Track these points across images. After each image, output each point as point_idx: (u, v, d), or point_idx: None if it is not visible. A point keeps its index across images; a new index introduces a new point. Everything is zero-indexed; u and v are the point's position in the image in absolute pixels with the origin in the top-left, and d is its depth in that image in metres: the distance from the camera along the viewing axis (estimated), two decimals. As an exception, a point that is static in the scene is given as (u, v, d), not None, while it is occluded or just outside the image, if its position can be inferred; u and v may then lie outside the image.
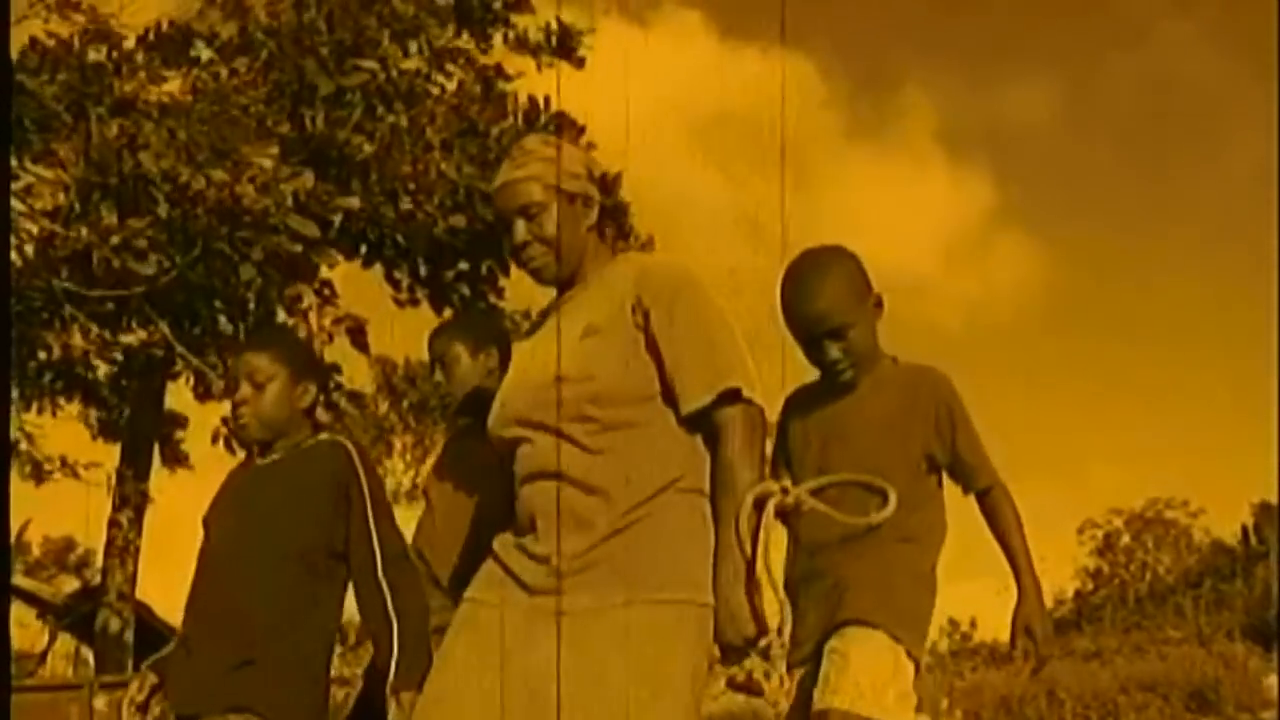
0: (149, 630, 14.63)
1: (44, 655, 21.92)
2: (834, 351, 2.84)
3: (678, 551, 2.46)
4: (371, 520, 3.05)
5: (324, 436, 3.22)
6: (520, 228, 2.60)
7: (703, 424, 2.54)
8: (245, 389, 3.18)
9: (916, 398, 2.90)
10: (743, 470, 2.48)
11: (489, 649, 2.46)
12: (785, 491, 2.52)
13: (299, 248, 9.36)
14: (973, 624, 32.99)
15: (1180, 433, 46.40)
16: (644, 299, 2.55)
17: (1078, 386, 49.09)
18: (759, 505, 2.46)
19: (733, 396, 2.50)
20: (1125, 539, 34.08)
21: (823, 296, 2.82)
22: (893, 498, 2.64)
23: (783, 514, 2.51)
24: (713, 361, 2.53)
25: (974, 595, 62.07)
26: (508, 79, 10.28)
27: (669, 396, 2.54)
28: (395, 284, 10.31)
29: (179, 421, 16.19)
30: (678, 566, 2.44)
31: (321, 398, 3.30)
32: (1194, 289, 42.32)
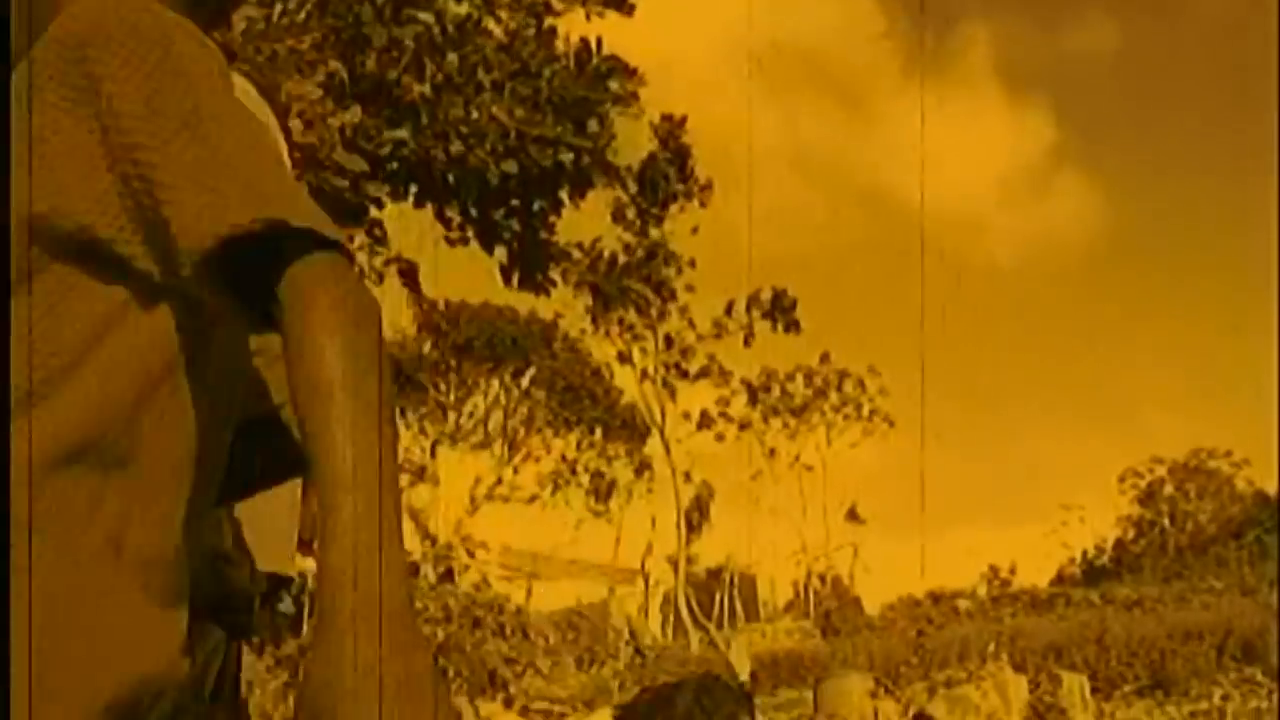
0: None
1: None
2: None
3: None
4: None
5: None
6: None
7: None
8: None
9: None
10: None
11: None
12: None
13: (345, 183, 9.31)
14: (1012, 570, 33.10)
15: (1227, 381, 45.97)
16: None
17: (1131, 329, 48.81)
18: None
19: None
20: (1168, 488, 33.94)
21: None
22: None
23: None
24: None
25: (1013, 541, 62.20)
26: (556, 15, 10.17)
27: None
28: (446, 222, 10.27)
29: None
30: None
31: None
32: (1255, 234, 41.71)
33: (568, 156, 9.35)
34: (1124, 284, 50.37)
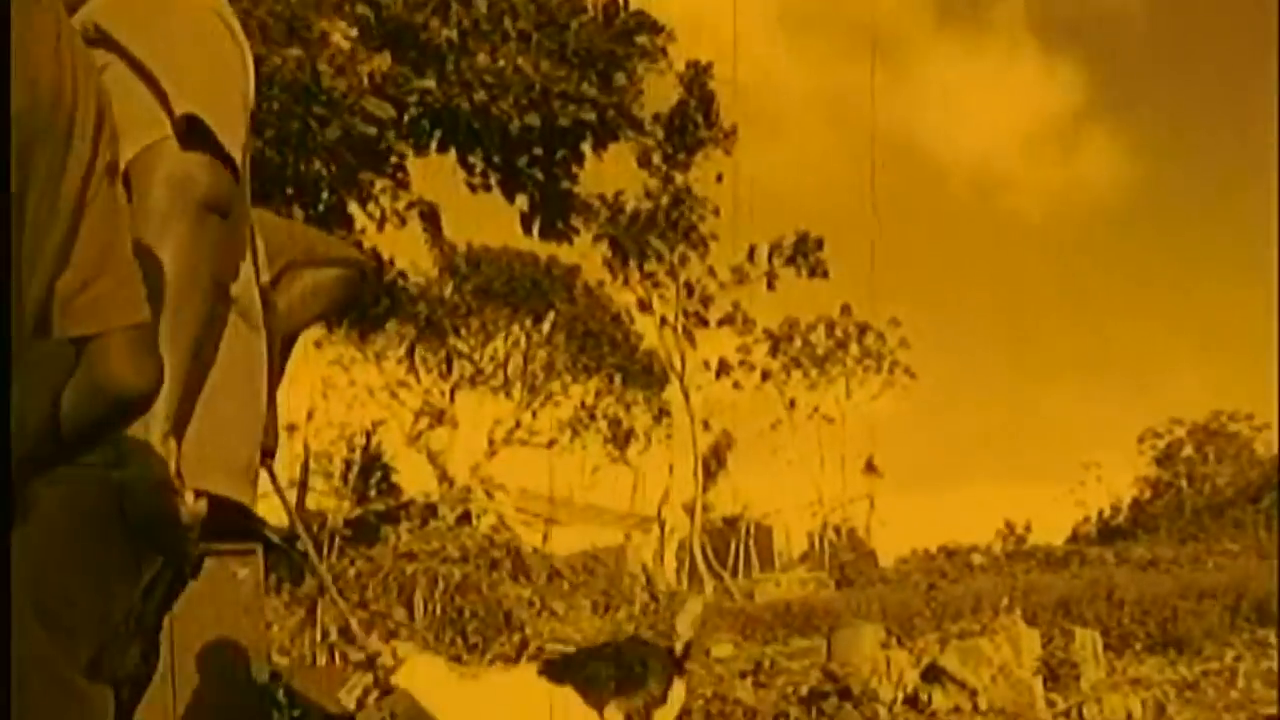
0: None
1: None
2: None
3: None
4: None
5: None
6: None
7: None
8: None
9: None
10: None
11: None
12: None
13: (373, 130, 9.31)
14: (1028, 527, 33.14)
15: (1248, 344, 45.59)
16: None
17: (1155, 288, 48.41)
18: None
19: None
20: (1187, 450, 33.84)
21: None
22: None
23: None
24: None
25: (1030, 498, 62.13)
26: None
27: None
28: (469, 168, 10.24)
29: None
30: None
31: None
32: None
33: (590, 115, 9.29)
34: (1150, 243, 49.98)
